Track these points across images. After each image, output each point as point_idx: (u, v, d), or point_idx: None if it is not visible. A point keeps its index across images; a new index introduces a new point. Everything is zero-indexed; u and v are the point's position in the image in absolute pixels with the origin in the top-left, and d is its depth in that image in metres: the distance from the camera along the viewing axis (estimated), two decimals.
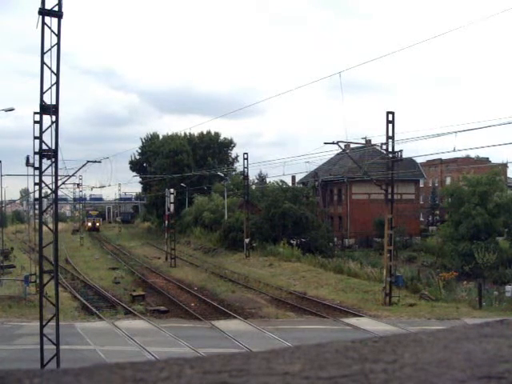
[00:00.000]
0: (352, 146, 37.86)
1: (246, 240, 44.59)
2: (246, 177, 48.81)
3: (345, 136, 71.20)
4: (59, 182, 18.44)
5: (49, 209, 20.92)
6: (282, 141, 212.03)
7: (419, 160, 55.45)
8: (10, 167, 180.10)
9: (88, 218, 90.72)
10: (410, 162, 46.43)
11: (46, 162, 15.09)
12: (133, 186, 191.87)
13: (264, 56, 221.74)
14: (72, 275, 38.24)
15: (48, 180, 15.66)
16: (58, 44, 14.34)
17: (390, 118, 27.14)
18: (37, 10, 14.27)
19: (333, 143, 28.52)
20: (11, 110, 32.40)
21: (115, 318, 24.54)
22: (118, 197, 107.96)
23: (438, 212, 68.22)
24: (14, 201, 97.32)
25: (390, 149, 27.80)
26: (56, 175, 15.29)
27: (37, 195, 17.19)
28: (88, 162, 27.64)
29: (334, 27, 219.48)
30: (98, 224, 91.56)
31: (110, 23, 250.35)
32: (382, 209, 34.71)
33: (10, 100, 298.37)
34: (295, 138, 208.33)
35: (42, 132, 14.77)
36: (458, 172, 61.93)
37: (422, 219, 64.44)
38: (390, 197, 27.94)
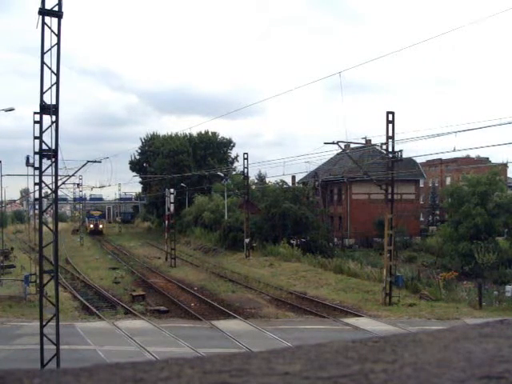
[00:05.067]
0: (352, 146, 37.87)
1: (246, 240, 44.61)
2: (246, 177, 48.84)
3: (345, 136, 71.25)
4: (59, 182, 18.44)
5: (49, 209, 20.93)
6: (282, 141, 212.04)
7: (419, 160, 55.53)
8: (10, 167, 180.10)
9: (90, 220, 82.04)
10: (410, 161, 46.42)
11: (46, 162, 15.10)
12: (133, 186, 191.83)
13: (263, 56, 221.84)
14: (72, 275, 38.25)
15: (48, 180, 15.67)
16: (58, 44, 14.34)
17: (390, 118, 27.16)
18: (37, 10, 14.29)
19: (333, 143, 28.53)
20: (11, 110, 32.42)
21: (115, 318, 24.55)
22: (118, 197, 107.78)
23: (438, 212, 68.24)
24: (14, 201, 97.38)
25: (390, 149, 27.82)
26: (56, 175, 15.29)
27: (37, 195, 17.19)
28: (88, 161, 27.66)
29: (333, 28, 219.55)
30: (101, 226, 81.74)
31: (108, 23, 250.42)
32: (382, 209, 34.73)
33: (10, 100, 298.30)
34: (295, 138, 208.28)
35: (41, 132, 14.77)
36: (458, 172, 61.97)
37: (422, 219, 64.44)
38: (390, 197, 27.95)
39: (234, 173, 66.15)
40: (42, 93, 14.38)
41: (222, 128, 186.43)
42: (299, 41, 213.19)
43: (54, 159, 14.90)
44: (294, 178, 63.48)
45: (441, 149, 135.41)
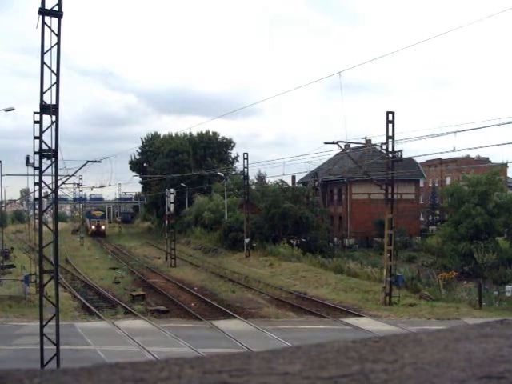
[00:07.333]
0: (352, 145, 37.89)
1: (246, 240, 44.62)
2: (246, 177, 48.86)
3: (345, 136, 71.26)
4: (59, 182, 18.45)
5: (49, 209, 20.93)
6: (281, 141, 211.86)
7: (419, 160, 55.53)
8: (10, 167, 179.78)
9: (91, 220, 78.50)
10: (410, 161, 46.42)
11: (46, 162, 15.10)
12: (133, 186, 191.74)
13: (263, 56, 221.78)
14: (72, 275, 38.24)
15: (48, 180, 15.67)
16: (58, 44, 14.34)
17: (390, 117, 27.16)
18: (37, 9, 14.29)
19: (333, 143, 28.56)
20: (11, 109, 32.41)
21: (115, 318, 24.54)
22: (118, 197, 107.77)
23: (438, 212, 68.25)
24: (14, 201, 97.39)
25: (390, 149, 27.82)
26: (56, 175, 15.29)
27: (37, 195, 17.19)
28: (88, 161, 27.67)
29: (333, 28, 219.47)
30: (103, 227, 78.26)
31: (108, 23, 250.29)
32: (382, 209, 34.71)
33: (10, 100, 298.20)
34: (294, 137, 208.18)
35: (41, 132, 14.77)
36: (458, 172, 61.97)
37: (422, 219, 64.45)
38: (390, 197, 27.96)
39: (233, 173, 66.18)
40: (41, 93, 14.38)
41: (222, 128, 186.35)
42: (299, 41, 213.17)
43: (53, 159, 14.90)
44: (293, 177, 63.50)
45: (440, 149, 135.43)
